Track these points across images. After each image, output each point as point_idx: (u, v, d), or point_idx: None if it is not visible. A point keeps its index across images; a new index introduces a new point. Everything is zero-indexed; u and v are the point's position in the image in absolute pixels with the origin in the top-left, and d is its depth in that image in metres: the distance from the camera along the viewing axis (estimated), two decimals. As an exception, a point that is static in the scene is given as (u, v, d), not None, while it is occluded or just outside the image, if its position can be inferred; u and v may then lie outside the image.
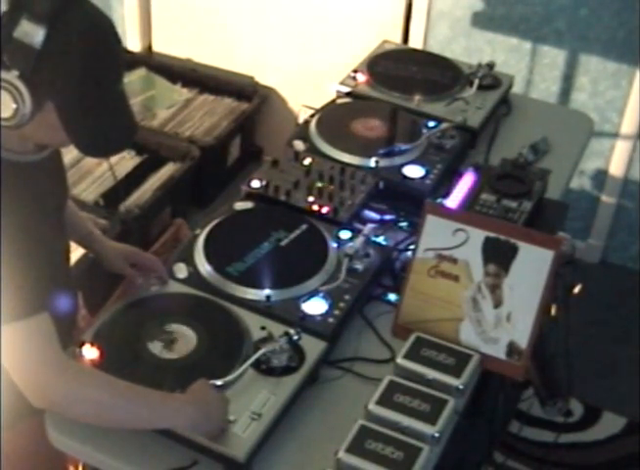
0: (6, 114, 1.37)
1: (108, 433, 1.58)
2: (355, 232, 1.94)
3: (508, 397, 2.31)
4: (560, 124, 2.53)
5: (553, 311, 1.91)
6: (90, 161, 3.30)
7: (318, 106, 2.37)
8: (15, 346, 1.42)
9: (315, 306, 1.76)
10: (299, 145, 2.20)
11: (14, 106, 1.36)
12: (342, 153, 2.16)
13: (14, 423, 1.68)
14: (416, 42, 3.41)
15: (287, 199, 2.03)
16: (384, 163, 2.14)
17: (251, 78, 3.86)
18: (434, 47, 3.38)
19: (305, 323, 1.72)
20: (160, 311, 1.72)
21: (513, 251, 1.70)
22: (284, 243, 1.91)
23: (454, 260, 1.75)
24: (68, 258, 1.75)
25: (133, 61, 3.89)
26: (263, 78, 3.86)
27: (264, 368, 1.61)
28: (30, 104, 1.36)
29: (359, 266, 1.86)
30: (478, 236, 1.73)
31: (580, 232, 3.52)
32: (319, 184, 2.07)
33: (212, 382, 1.55)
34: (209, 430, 1.51)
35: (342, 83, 2.46)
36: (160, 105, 3.73)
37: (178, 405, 1.49)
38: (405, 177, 2.11)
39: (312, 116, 2.31)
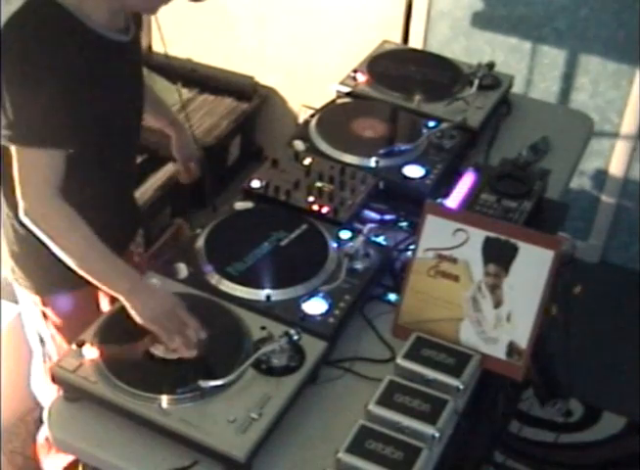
0: None
1: (108, 433, 1.58)
2: (355, 232, 1.94)
3: (508, 397, 2.31)
4: (560, 124, 2.53)
5: (553, 311, 1.91)
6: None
7: (318, 106, 2.37)
8: (20, 165, 1.70)
9: (315, 306, 1.76)
10: (299, 145, 2.19)
11: None
12: (343, 153, 2.16)
13: (74, 286, 1.95)
14: (416, 42, 3.41)
15: (287, 199, 2.03)
16: (384, 163, 2.14)
17: (251, 78, 3.86)
18: (434, 47, 3.38)
19: (305, 323, 1.72)
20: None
21: (513, 251, 1.70)
22: (284, 243, 1.91)
23: (454, 260, 1.75)
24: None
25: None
26: (263, 78, 3.86)
27: (264, 368, 1.61)
28: None
29: (359, 266, 1.86)
30: (478, 236, 1.73)
31: (580, 232, 3.53)
32: (319, 184, 2.07)
33: (213, 382, 1.56)
34: (146, 309, 1.66)
35: (342, 83, 2.46)
36: (159, 105, 3.72)
37: (129, 269, 1.73)
38: (405, 177, 2.11)
39: (312, 116, 2.31)
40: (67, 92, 1.69)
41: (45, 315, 2.06)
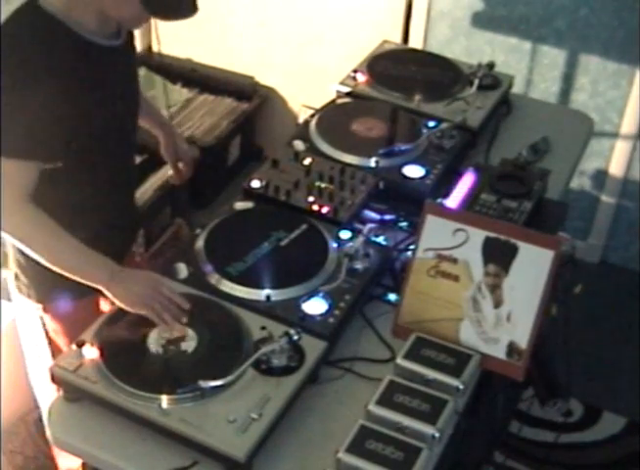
0: None
1: (108, 433, 1.58)
2: (355, 232, 1.94)
3: (508, 397, 2.31)
4: (560, 124, 2.53)
5: (553, 311, 1.91)
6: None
7: (318, 106, 2.37)
8: None
9: (315, 306, 1.76)
10: (299, 145, 2.19)
11: None
12: (343, 153, 2.16)
13: (76, 297, 1.98)
14: (416, 42, 3.41)
15: (287, 199, 2.03)
16: (384, 163, 2.14)
17: (252, 78, 3.87)
18: (434, 47, 3.38)
19: (305, 323, 1.72)
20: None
21: (513, 251, 1.70)
22: (284, 243, 1.91)
23: (454, 260, 1.75)
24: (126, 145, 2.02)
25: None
26: (263, 78, 3.86)
27: (264, 368, 1.62)
28: None
29: (359, 266, 1.86)
30: (478, 236, 1.73)
31: (580, 232, 3.53)
32: (319, 184, 2.07)
33: (213, 382, 1.56)
34: (129, 295, 1.69)
35: (342, 83, 2.46)
36: (160, 105, 3.73)
37: (105, 260, 1.75)
38: (405, 177, 2.11)
39: (312, 116, 2.31)
40: (55, 100, 1.68)
41: (43, 320, 2.07)
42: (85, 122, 1.78)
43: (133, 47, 1.97)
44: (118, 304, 1.71)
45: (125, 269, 1.78)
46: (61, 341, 2.07)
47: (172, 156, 2.28)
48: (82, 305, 2.02)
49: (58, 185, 1.79)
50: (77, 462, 2.18)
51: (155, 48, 3.99)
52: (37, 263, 1.84)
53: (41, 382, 2.28)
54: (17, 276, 2.02)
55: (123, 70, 1.92)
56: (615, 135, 3.32)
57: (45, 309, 2.04)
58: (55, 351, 2.11)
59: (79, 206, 1.87)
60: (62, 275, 1.78)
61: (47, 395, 2.27)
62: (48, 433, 1.62)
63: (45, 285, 1.99)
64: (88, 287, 1.77)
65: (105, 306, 2.14)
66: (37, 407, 2.49)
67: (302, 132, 2.25)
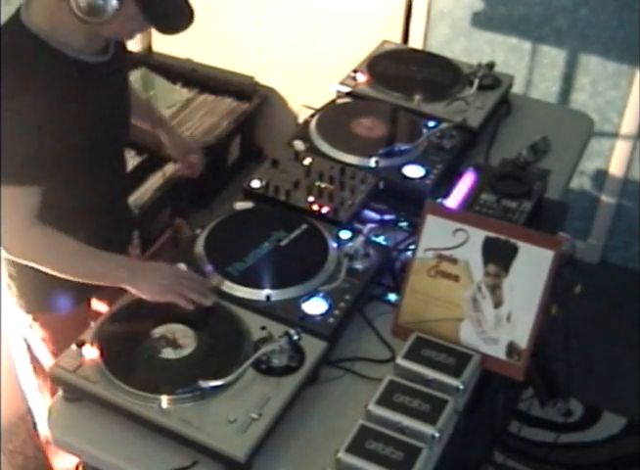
0: (96, 12, 1.59)
1: (108, 433, 1.58)
2: (355, 232, 1.94)
3: (508, 397, 2.31)
4: (560, 124, 2.53)
5: (553, 311, 1.91)
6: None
7: (318, 106, 2.37)
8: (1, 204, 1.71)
9: (315, 306, 1.76)
10: (299, 145, 2.19)
11: (101, 3, 1.59)
12: (343, 153, 2.16)
13: (65, 308, 1.99)
14: (416, 42, 3.41)
15: (287, 199, 2.03)
16: (384, 163, 2.14)
17: (251, 78, 3.87)
18: (434, 47, 3.38)
19: (305, 323, 1.72)
20: (160, 311, 1.72)
21: (513, 251, 1.70)
22: (284, 243, 1.91)
23: (454, 260, 1.75)
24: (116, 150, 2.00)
25: (133, 61, 3.88)
26: (263, 78, 3.86)
27: (264, 368, 1.62)
28: (116, 1, 1.59)
29: (359, 266, 1.86)
30: (478, 236, 1.73)
31: (580, 232, 3.53)
32: (319, 184, 2.07)
33: (213, 382, 1.56)
34: (152, 286, 1.72)
35: (342, 83, 2.46)
36: (160, 105, 3.73)
37: (122, 260, 1.81)
38: (405, 177, 2.11)
39: (312, 116, 2.31)
40: (44, 122, 1.67)
41: (32, 327, 2.07)
42: (76, 139, 1.76)
43: (124, 58, 1.94)
44: (144, 297, 1.72)
45: (142, 263, 1.82)
46: (48, 349, 2.08)
47: (181, 151, 2.28)
48: (70, 315, 2.02)
49: (50, 196, 1.77)
50: (73, 463, 2.20)
51: (155, 48, 3.99)
52: (27, 274, 1.84)
53: (31, 388, 2.28)
54: (8, 286, 2.02)
55: (112, 84, 1.89)
56: (615, 135, 3.32)
57: (34, 318, 2.04)
58: (42, 355, 2.11)
59: (72, 214, 1.86)
60: (50, 286, 1.79)
61: (36, 400, 2.28)
62: (48, 433, 1.62)
63: (34, 295, 1.99)
64: (81, 293, 1.76)
65: (102, 307, 2.14)
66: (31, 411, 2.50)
67: (302, 132, 2.25)
